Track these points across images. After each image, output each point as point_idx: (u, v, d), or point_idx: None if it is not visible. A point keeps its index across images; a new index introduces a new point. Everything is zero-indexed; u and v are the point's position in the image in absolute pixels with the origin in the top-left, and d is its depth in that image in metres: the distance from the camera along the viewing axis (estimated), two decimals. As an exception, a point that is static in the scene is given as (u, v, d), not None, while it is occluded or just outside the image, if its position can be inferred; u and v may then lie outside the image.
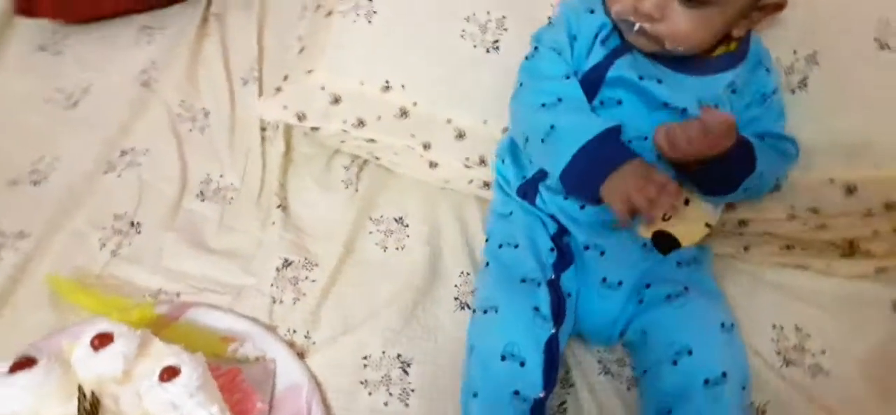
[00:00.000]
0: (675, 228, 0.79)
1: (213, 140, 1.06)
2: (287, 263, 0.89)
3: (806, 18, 0.86)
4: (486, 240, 0.84)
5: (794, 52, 0.88)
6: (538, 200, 0.83)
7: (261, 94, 1.10)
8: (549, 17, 0.87)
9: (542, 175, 0.82)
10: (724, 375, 0.67)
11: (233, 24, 1.23)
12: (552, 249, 0.79)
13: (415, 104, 0.93)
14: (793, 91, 0.87)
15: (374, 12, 0.95)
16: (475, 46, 0.94)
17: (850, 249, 0.86)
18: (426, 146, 0.94)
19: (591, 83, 0.78)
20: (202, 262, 0.90)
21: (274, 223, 0.93)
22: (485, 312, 0.73)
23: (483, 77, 0.93)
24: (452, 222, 0.95)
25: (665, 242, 0.78)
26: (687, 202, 0.80)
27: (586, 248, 0.78)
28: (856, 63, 0.86)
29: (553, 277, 0.77)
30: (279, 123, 1.04)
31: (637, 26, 0.74)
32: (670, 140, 0.70)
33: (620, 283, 0.77)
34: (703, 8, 0.72)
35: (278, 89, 0.95)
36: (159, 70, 1.16)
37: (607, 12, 0.78)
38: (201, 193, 0.99)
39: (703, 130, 0.68)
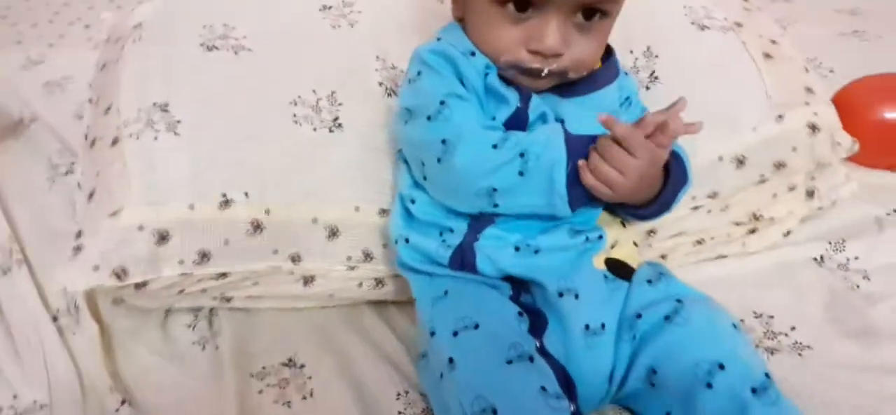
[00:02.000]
0: (620, 252, 0.70)
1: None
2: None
3: (622, 23, 0.86)
4: (431, 334, 0.65)
5: (631, 52, 0.88)
6: (480, 262, 0.68)
7: (32, 276, 0.82)
8: (410, 77, 0.74)
9: (481, 225, 0.68)
10: (767, 376, 0.58)
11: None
12: (520, 314, 0.65)
13: (267, 212, 0.73)
14: (647, 88, 0.86)
15: (178, 122, 0.75)
16: (315, 129, 0.78)
17: (756, 221, 0.85)
18: (295, 259, 0.75)
19: (515, 128, 0.68)
20: None
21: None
22: None
23: (336, 160, 0.78)
24: (358, 342, 0.76)
25: (620, 269, 0.69)
26: (623, 225, 0.73)
27: (560, 295, 0.65)
28: (687, 47, 0.88)
29: (538, 344, 0.63)
30: (76, 300, 0.76)
31: (545, 71, 0.67)
32: (605, 182, 0.63)
33: (603, 325, 0.65)
34: (600, 22, 0.67)
35: (77, 249, 0.69)
36: None
37: (491, 59, 0.69)
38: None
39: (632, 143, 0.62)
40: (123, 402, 0.68)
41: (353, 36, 0.87)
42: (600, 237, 0.68)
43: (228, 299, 0.78)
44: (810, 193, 0.86)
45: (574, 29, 0.66)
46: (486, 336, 0.61)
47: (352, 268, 0.77)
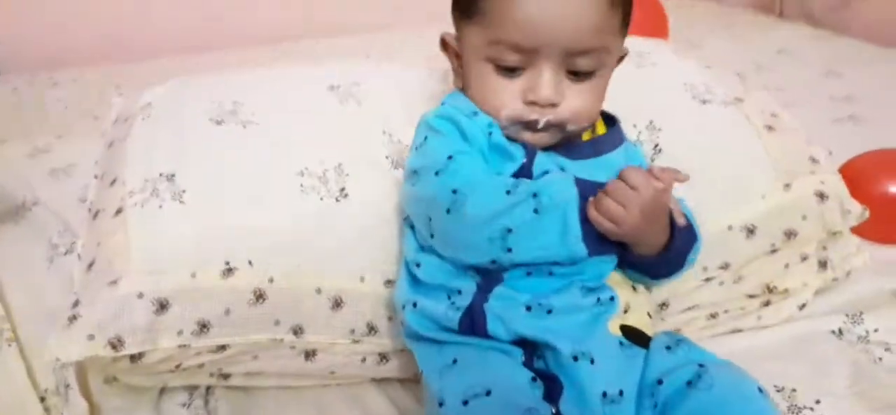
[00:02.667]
0: (634, 319, 0.68)
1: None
2: None
3: (623, 98, 0.87)
4: (440, 405, 0.61)
5: (634, 126, 0.88)
6: (491, 324, 0.65)
7: (23, 356, 0.79)
8: (416, 143, 0.74)
9: (490, 284, 0.66)
10: None
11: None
12: (533, 379, 0.62)
13: (271, 281, 0.71)
14: (652, 159, 0.86)
15: (183, 191, 0.75)
16: (322, 198, 0.77)
17: (770, 293, 0.83)
18: (297, 331, 0.72)
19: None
20: None
21: None
22: None
23: (342, 229, 0.76)
24: (361, 420, 0.72)
25: (636, 336, 0.66)
26: (634, 289, 0.71)
27: (575, 359, 0.62)
28: (690, 119, 0.89)
29: (555, 411, 0.59)
30: (68, 378, 0.73)
31: (542, 122, 0.68)
32: (609, 218, 0.63)
33: (621, 392, 0.62)
34: (593, 77, 0.69)
35: (72, 319, 0.67)
36: None
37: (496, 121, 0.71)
38: None
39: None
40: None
41: (360, 112, 0.87)
42: (612, 299, 0.66)
43: (226, 377, 0.75)
44: (823, 264, 0.85)
45: (567, 80, 0.68)
46: (500, 404, 0.58)
47: (355, 342, 0.75)
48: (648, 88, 0.91)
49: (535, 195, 0.64)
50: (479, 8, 0.68)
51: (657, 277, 0.70)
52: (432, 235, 0.69)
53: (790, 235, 0.81)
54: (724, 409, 0.58)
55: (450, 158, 0.67)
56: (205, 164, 0.78)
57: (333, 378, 0.76)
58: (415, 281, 0.71)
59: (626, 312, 0.68)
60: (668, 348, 0.66)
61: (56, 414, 0.73)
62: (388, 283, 0.76)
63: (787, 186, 0.82)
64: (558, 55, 0.66)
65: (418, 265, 0.71)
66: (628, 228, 0.63)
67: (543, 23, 0.65)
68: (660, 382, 0.62)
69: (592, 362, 0.62)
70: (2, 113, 1.51)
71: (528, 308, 0.65)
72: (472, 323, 0.65)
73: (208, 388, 0.76)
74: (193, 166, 0.77)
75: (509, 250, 0.64)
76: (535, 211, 0.63)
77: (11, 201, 1.11)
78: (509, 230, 0.63)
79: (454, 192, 0.65)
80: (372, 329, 0.75)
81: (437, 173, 0.67)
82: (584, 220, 0.64)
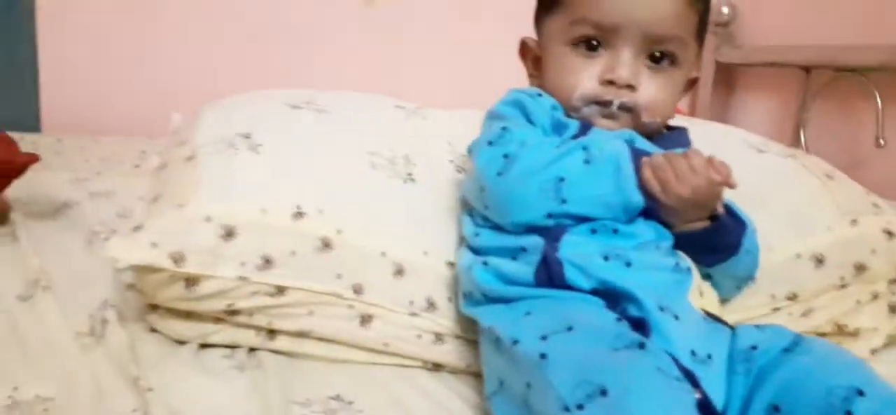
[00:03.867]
0: (708, 304, 0.66)
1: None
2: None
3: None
4: (514, 343, 0.56)
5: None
6: (568, 273, 0.62)
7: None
8: (495, 114, 0.75)
9: (555, 234, 0.63)
10: None
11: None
12: (618, 319, 0.57)
13: (339, 232, 0.69)
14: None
15: (259, 145, 0.75)
16: (389, 177, 0.78)
17: (840, 332, 0.80)
18: (357, 289, 0.69)
19: None
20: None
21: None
22: (583, 405, 0.47)
23: (407, 206, 0.76)
24: (414, 396, 0.66)
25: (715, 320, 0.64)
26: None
27: (661, 310, 0.58)
28: (751, 161, 0.90)
29: (643, 340, 0.55)
30: (105, 313, 0.68)
31: (617, 103, 0.70)
32: (660, 179, 0.63)
33: (710, 356, 0.57)
34: (669, 69, 0.72)
35: (137, 228, 0.64)
36: None
37: (563, 102, 0.73)
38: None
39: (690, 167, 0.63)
40: (150, 389, 0.58)
41: (424, 126, 0.89)
42: (689, 270, 0.64)
43: (273, 335, 0.70)
44: (894, 309, 0.82)
45: (645, 69, 0.71)
46: (583, 336, 0.54)
47: (413, 314, 0.71)
48: (707, 138, 0.93)
49: (585, 149, 0.65)
50: None
51: (708, 260, 0.68)
52: (486, 207, 0.68)
53: (860, 269, 0.79)
54: (826, 371, 0.54)
55: (504, 128, 0.69)
56: (281, 131, 0.78)
57: (385, 352, 0.71)
58: (476, 251, 0.69)
59: (701, 296, 0.65)
60: (758, 327, 0.62)
61: (88, 350, 0.67)
62: (450, 265, 0.74)
63: (854, 221, 0.82)
64: (638, 38, 0.70)
65: (477, 235, 0.70)
66: (672, 199, 0.63)
67: (627, 3, 0.69)
68: (754, 347, 0.58)
69: (677, 318, 0.59)
70: (45, 156, 1.53)
71: (606, 258, 0.62)
72: (549, 273, 0.62)
73: (251, 349, 0.71)
74: (271, 131, 0.78)
75: (564, 201, 0.63)
76: (586, 162, 0.64)
77: (53, 203, 1.10)
78: (561, 179, 0.63)
79: (505, 156, 0.66)
80: (431, 305, 0.72)
81: (490, 143, 0.69)
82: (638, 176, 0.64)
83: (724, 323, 0.64)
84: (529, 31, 0.81)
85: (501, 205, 0.66)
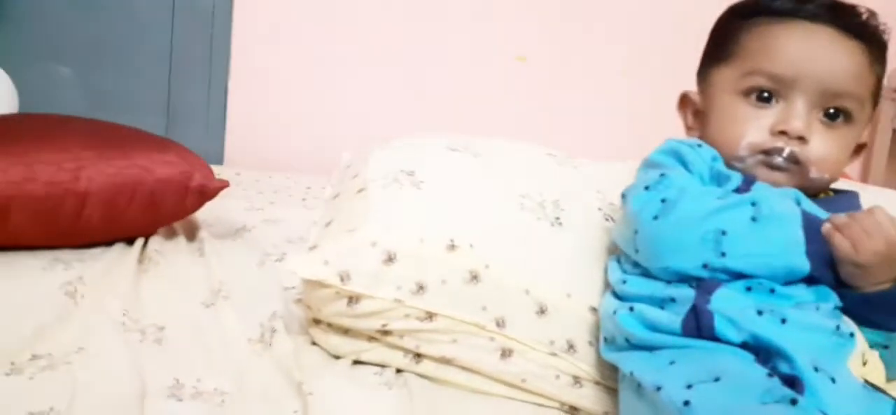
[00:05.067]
0: (873, 375, 0.62)
1: (177, 351, 0.75)
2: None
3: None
4: (657, 389, 0.57)
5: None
6: (718, 325, 0.60)
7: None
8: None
9: (708, 287, 0.62)
10: None
11: (179, 262, 1.01)
12: (770, 375, 0.56)
13: (487, 267, 0.73)
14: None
15: (421, 182, 0.81)
16: (538, 219, 0.81)
17: None
18: (500, 323, 0.72)
19: None
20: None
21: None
22: None
23: (554, 249, 0.79)
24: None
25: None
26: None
27: (816, 370, 0.56)
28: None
29: (796, 397, 0.53)
30: (274, 323, 0.76)
31: (787, 151, 0.69)
32: (850, 238, 0.60)
33: None
34: (843, 127, 0.70)
35: (313, 247, 0.72)
36: (88, 285, 0.87)
37: (726, 153, 0.72)
38: (174, 395, 0.66)
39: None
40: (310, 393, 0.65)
41: (575, 173, 0.92)
42: (852, 335, 0.61)
43: (419, 358, 0.75)
44: None
45: (818, 123, 0.69)
46: (732, 384, 0.54)
47: (553, 354, 0.73)
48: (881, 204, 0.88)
49: (753, 204, 0.63)
50: (739, 45, 0.73)
51: (878, 323, 0.64)
52: (637, 251, 0.68)
53: None
54: None
55: (662, 175, 0.69)
56: (440, 170, 0.85)
57: (522, 388, 0.74)
58: (622, 298, 0.70)
59: (864, 365, 0.62)
60: None
61: (257, 358, 0.75)
62: (593, 309, 0.75)
63: None
64: (815, 92, 0.68)
65: (624, 283, 0.70)
66: (866, 256, 0.60)
67: (806, 56, 0.69)
68: None
69: (834, 381, 0.56)
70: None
71: (760, 313, 0.60)
72: (697, 323, 0.61)
73: (398, 371, 0.76)
74: (431, 170, 0.84)
75: (723, 255, 0.62)
76: (754, 219, 0.62)
77: (233, 225, 1.24)
78: (724, 232, 0.62)
79: (663, 201, 0.65)
80: (571, 347, 0.73)
81: (646, 188, 0.69)
82: (808, 240, 0.61)
83: (889, 396, 0.60)
84: (677, 89, 0.82)
85: (654, 248, 0.66)
